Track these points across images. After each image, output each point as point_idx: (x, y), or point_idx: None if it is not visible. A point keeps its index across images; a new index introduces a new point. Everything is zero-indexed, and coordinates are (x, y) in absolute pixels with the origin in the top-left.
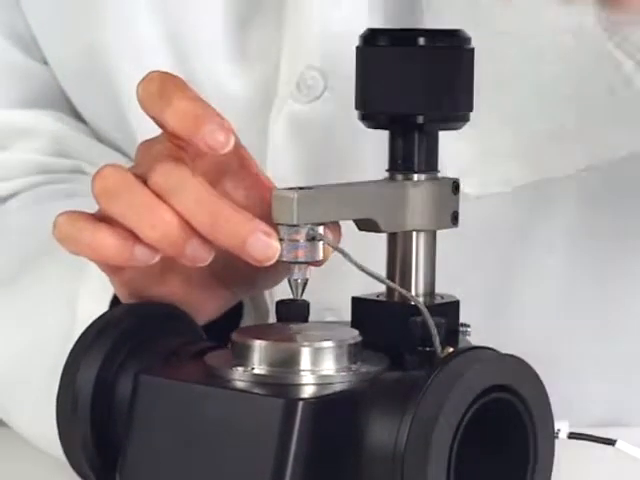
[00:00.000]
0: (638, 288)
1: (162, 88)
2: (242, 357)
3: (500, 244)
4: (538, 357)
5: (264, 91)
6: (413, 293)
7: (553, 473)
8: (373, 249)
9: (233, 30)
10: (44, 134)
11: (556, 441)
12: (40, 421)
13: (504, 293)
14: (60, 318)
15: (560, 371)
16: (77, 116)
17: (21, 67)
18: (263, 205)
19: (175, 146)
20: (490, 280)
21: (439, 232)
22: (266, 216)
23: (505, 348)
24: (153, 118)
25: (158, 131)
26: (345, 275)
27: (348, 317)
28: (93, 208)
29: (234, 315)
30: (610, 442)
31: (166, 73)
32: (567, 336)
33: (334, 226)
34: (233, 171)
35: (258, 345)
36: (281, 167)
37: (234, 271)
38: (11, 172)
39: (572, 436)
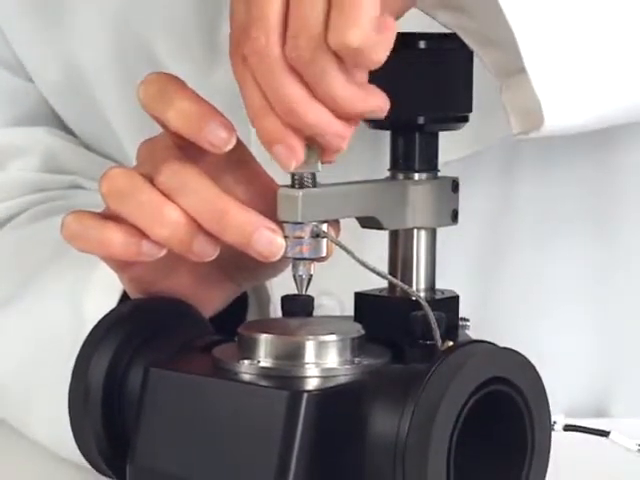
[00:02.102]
0: (622, 270)
1: (162, 89)
2: (248, 350)
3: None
4: (520, 343)
5: None
6: (414, 288)
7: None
8: (372, 245)
9: (204, 27)
10: (38, 151)
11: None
12: (54, 421)
13: (484, 282)
14: (69, 316)
15: (542, 360)
16: (68, 130)
17: (10, 87)
18: (263, 200)
19: (177, 145)
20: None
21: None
22: (267, 211)
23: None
24: (155, 118)
25: (146, 137)
26: (339, 260)
27: (343, 300)
28: None
29: (238, 305)
30: (604, 434)
31: (165, 74)
32: (548, 323)
33: (334, 223)
34: (233, 167)
35: (264, 339)
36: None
37: (239, 264)
38: (7, 193)
39: (568, 428)
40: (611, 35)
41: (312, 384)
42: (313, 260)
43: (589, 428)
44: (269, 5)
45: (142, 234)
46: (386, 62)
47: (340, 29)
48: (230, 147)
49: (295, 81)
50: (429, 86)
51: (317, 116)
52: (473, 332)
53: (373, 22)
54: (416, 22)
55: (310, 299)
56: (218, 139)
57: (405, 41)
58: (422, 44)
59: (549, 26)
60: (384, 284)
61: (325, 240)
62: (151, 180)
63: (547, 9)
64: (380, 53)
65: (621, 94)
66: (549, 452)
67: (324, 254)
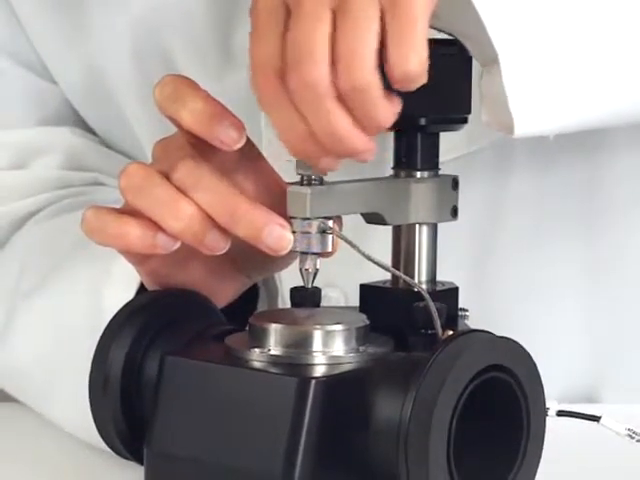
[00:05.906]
0: (614, 262)
1: (176, 90)
2: (259, 339)
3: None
4: (516, 332)
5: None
6: (416, 280)
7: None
8: (376, 240)
9: (219, 33)
10: (61, 149)
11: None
12: (75, 407)
13: (480, 271)
14: (89, 307)
15: (537, 348)
16: (90, 130)
17: (36, 89)
18: (271, 196)
19: (190, 142)
20: (468, 253)
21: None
22: (274, 206)
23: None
24: (169, 118)
25: (162, 136)
26: (344, 254)
27: (347, 292)
28: None
29: (249, 296)
30: (595, 419)
31: (179, 76)
32: (541, 310)
33: (337, 219)
34: (243, 165)
35: (274, 328)
36: (277, 161)
37: (249, 257)
38: (32, 189)
39: (561, 413)
40: (584, 34)
41: (319, 371)
42: (320, 254)
43: (581, 413)
44: (315, 35)
45: (158, 227)
46: None
47: (400, 57)
48: (240, 145)
49: (343, 112)
50: (431, 89)
51: (361, 142)
52: (472, 322)
53: (425, 44)
54: None
55: (318, 291)
56: (228, 138)
57: None
58: None
59: (521, 20)
60: (387, 276)
61: (331, 235)
62: (166, 176)
63: (519, 6)
64: (425, 76)
65: (592, 98)
66: (544, 436)
67: (330, 249)
